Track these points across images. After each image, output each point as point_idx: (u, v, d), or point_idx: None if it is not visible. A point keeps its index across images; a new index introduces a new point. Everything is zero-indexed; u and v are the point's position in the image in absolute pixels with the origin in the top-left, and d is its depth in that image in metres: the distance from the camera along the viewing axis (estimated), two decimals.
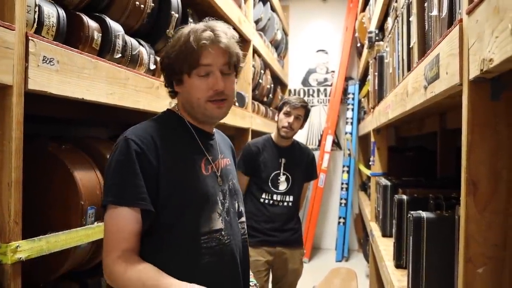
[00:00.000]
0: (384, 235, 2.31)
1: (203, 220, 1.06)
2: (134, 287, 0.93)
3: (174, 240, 1.03)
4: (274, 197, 2.34)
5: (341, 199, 5.20)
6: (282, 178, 2.36)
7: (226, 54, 1.07)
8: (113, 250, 0.96)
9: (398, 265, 1.72)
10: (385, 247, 2.10)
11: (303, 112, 2.37)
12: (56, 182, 1.27)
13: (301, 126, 2.42)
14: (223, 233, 1.09)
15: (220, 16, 2.56)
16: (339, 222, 5.15)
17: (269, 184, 2.34)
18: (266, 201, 2.34)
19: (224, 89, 1.07)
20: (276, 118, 2.49)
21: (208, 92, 1.07)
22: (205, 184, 1.08)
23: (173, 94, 1.16)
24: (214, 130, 1.24)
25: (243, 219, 1.22)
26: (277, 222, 2.33)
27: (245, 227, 1.22)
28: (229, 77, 1.10)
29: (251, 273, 1.27)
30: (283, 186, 2.35)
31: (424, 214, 1.30)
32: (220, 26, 1.09)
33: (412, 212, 1.33)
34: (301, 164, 2.43)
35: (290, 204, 2.35)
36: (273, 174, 2.35)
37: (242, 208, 1.22)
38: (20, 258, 0.98)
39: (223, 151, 1.23)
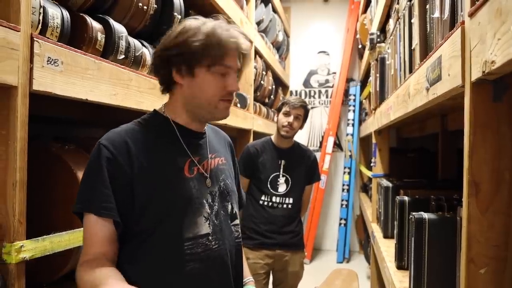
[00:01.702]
0: (386, 236, 2.32)
1: (186, 225, 1.01)
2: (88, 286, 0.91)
3: (155, 247, 0.99)
4: (273, 199, 2.33)
5: (342, 200, 5.20)
6: (282, 180, 2.35)
7: (241, 59, 1.07)
8: (83, 255, 0.96)
9: (400, 266, 1.72)
10: (386, 248, 2.10)
11: (303, 112, 2.36)
12: (60, 182, 1.28)
13: (301, 126, 2.41)
14: (210, 238, 1.04)
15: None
16: (340, 224, 5.15)
17: (268, 186, 2.33)
18: (265, 203, 2.33)
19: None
20: (275, 119, 2.48)
21: (223, 91, 1.04)
22: (188, 187, 1.03)
23: (167, 89, 1.09)
24: (208, 127, 1.19)
25: (237, 221, 1.17)
26: (276, 224, 2.31)
27: (239, 229, 1.17)
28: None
29: (251, 279, 1.23)
30: (282, 188, 2.34)
31: (425, 215, 1.30)
32: (239, 29, 1.09)
33: (413, 213, 1.33)
34: (302, 166, 2.41)
35: (289, 206, 2.34)
36: (272, 176, 2.34)
37: (236, 210, 1.16)
38: (24, 257, 0.99)
39: (216, 149, 1.18)
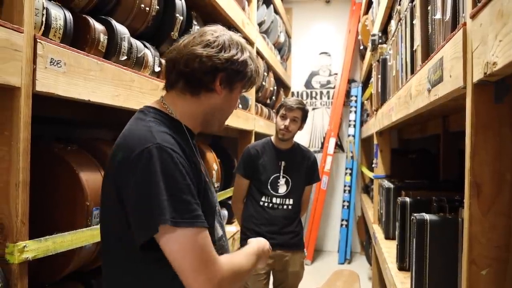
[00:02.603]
0: (387, 237, 2.32)
1: (213, 229, 1.02)
2: (240, 273, 0.97)
3: None
4: (274, 200, 2.33)
5: (343, 201, 5.20)
6: (282, 181, 2.35)
7: None
8: (208, 265, 0.90)
9: (401, 268, 1.72)
10: (388, 249, 2.10)
11: (300, 114, 2.34)
12: (62, 183, 1.28)
13: (300, 128, 2.40)
14: (224, 238, 1.08)
15: (224, 18, 2.57)
16: (341, 225, 5.14)
17: (269, 187, 2.33)
18: (266, 204, 2.32)
19: None
20: (274, 120, 2.48)
21: None
22: (212, 191, 1.06)
23: (197, 91, 1.04)
24: None
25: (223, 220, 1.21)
26: (276, 225, 2.31)
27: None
28: None
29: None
30: (282, 189, 2.34)
31: (427, 216, 1.30)
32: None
33: (415, 214, 1.33)
34: (302, 167, 2.41)
35: (290, 207, 2.34)
36: (272, 177, 2.34)
37: (220, 210, 1.19)
38: (27, 258, 0.99)
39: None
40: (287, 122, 2.31)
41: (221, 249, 1.05)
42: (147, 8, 1.64)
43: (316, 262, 4.98)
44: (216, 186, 2.57)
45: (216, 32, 1.06)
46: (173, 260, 0.89)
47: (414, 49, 1.52)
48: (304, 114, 2.38)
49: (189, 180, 0.91)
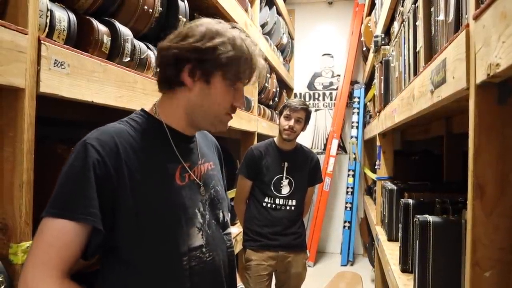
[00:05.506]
0: (390, 239, 2.31)
1: (180, 239, 0.94)
2: None
3: (147, 265, 0.91)
4: (277, 201, 2.33)
5: (346, 203, 5.19)
6: (285, 182, 2.36)
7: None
8: (46, 266, 0.81)
9: (404, 270, 1.71)
10: (390, 251, 2.09)
11: (304, 114, 2.37)
12: None
13: (303, 128, 2.42)
14: (204, 249, 0.98)
15: (226, 20, 2.57)
16: (344, 226, 5.14)
17: (272, 188, 2.33)
18: (269, 205, 2.33)
19: None
20: (277, 122, 2.49)
21: (230, 104, 1.00)
22: (180, 196, 0.96)
23: (168, 87, 1.00)
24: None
25: (229, 230, 1.10)
26: (279, 226, 2.32)
27: (231, 239, 1.10)
28: None
29: (241, 286, 1.16)
30: (285, 190, 2.35)
31: (430, 218, 1.30)
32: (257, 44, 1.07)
33: (418, 216, 1.33)
34: (304, 168, 2.42)
35: (293, 208, 2.34)
36: (275, 178, 2.35)
37: (227, 218, 1.10)
38: None
39: (205, 154, 1.10)
40: (291, 122, 2.33)
41: (197, 260, 0.96)
42: (150, 10, 1.64)
43: (319, 264, 4.97)
44: None
45: (192, 23, 0.98)
46: None
47: (417, 51, 1.52)
48: (308, 114, 2.39)
49: (93, 176, 0.85)
